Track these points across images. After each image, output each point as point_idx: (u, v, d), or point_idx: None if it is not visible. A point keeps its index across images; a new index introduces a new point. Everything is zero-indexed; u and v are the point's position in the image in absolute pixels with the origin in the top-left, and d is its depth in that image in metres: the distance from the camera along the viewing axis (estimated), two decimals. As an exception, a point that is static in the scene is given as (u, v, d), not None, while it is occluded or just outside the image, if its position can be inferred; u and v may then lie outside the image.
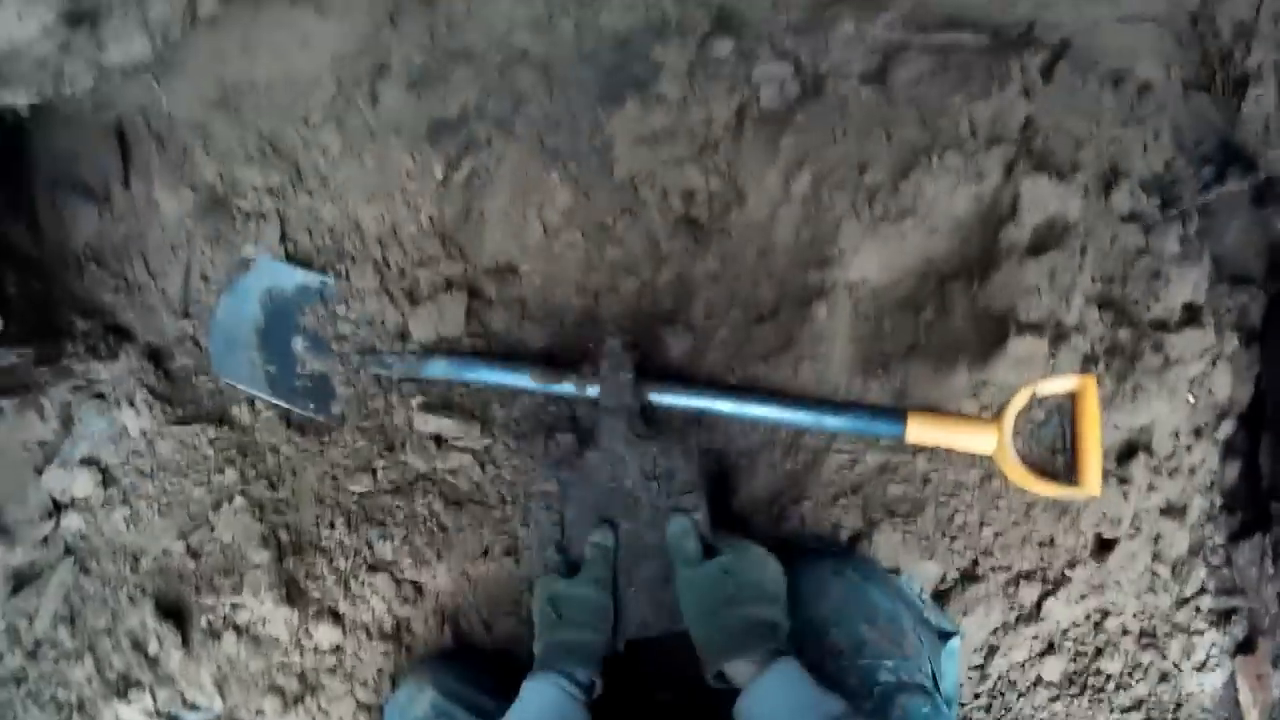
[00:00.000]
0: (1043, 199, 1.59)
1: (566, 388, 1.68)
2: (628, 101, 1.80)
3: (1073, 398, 1.59)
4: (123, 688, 1.67)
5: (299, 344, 1.86)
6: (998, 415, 1.59)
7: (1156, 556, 1.68)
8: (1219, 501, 1.73)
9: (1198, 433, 1.68)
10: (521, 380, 1.71)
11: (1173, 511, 1.68)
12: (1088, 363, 1.59)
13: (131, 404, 1.79)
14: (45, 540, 1.76)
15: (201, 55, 1.84)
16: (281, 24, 1.84)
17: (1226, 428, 1.72)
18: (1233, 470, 1.74)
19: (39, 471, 1.78)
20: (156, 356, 1.88)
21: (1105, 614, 1.68)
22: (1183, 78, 1.75)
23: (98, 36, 1.61)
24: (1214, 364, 1.68)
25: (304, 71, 1.87)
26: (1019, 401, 1.57)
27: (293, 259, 1.89)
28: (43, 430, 1.78)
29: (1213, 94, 1.73)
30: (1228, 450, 1.73)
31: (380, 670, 1.70)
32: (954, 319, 1.63)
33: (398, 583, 1.72)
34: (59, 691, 1.69)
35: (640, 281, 1.80)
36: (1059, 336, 1.58)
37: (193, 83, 1.86)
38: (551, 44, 1.83)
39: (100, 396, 1.80)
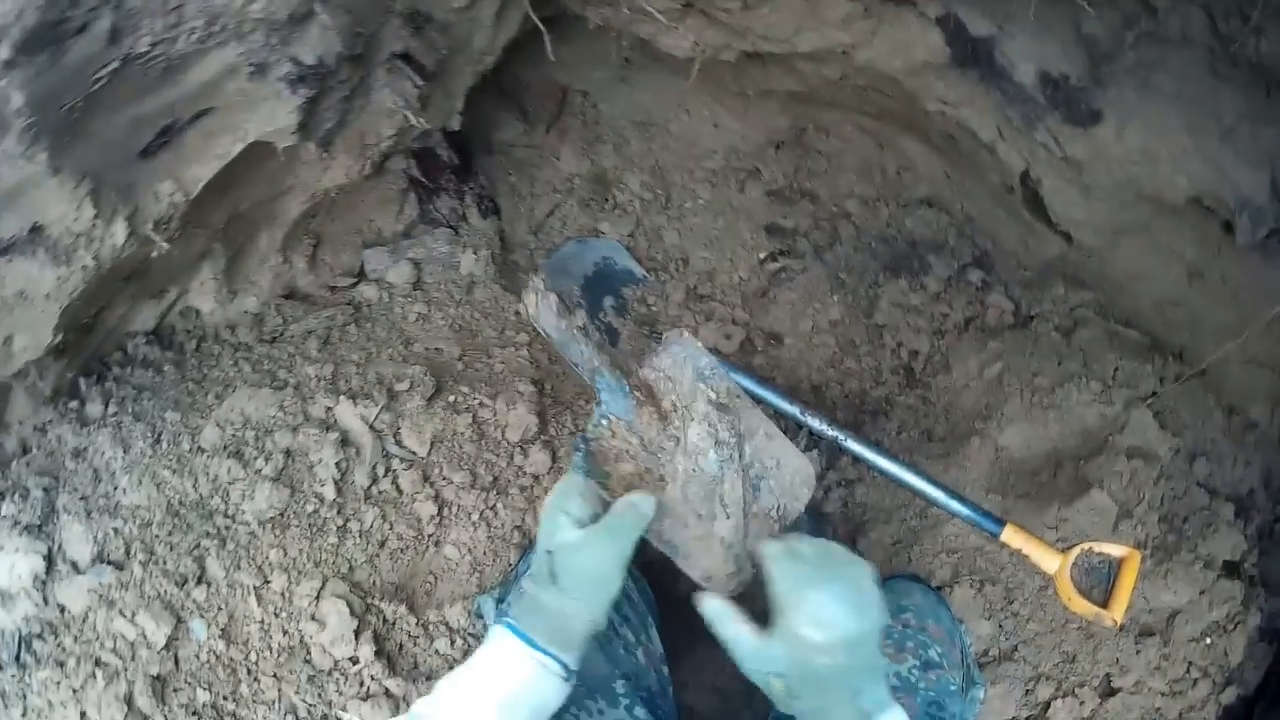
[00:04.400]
0: (1143, 428, 2.29)
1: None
2: (901, 278, 2.60)
3: (1121, 561, 2.12)
4: None
5: (608, 302, 2.46)
6: (1066, 550, 2.12)
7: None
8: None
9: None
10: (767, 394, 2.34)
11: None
12: (1139, 546, 2.18)
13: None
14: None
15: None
16: (704, 104, 2.65)
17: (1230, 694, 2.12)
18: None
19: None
20: (503, 237, 2.64)
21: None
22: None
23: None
24: (1234, 627, 2.14)
25: (707, 146, 2.65)
26: (1082, 546, 2.11)
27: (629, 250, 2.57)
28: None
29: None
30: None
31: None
32: (1060, 481, 2.32)
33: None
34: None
35: (861, 389, 2.49)
36: (1124, 514, 2.20)
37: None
38: (869, 217, 2.66)
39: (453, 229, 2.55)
